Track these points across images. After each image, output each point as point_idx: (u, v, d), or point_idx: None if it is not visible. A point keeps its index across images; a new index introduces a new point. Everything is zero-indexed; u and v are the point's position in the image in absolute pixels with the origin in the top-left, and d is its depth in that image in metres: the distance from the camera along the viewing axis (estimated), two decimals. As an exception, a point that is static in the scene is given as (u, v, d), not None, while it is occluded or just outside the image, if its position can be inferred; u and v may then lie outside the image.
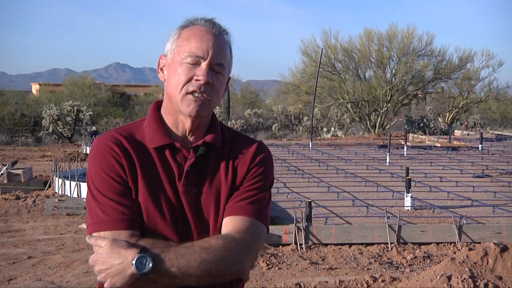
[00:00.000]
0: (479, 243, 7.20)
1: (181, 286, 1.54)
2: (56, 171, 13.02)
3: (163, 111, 1.73)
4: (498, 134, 28.88)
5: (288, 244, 7.76)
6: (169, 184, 1.63)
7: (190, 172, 1.65)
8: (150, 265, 1.45)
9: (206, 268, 1.49)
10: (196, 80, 1.61)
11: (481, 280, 4.91)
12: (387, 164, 16.47)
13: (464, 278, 4.89)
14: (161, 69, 1.72)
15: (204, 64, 1.62)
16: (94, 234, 1.57)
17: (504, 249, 5.21)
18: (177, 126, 1.69)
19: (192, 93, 1.62)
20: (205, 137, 1.69)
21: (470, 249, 5.61)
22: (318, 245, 7.80)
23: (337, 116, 35.25)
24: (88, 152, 12.95)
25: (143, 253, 1.46)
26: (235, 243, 1.56)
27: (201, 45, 1.62)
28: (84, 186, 11.38)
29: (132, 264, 1.45)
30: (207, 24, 1.67)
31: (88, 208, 1.63)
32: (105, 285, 1.49)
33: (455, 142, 23.25)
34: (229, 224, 1.62)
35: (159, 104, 1.75)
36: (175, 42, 1.67)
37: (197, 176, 1.66)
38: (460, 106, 38.22)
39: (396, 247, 7.70)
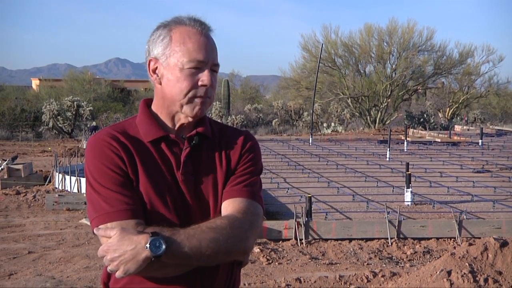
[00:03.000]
0: (479, 238, 7.20)
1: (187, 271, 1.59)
2: (56, 166, 13.02)
3: (154, 108, 1.78)
4: (498, 129, 28.91)
5: (288, 239, 7.77)
6: (168, 174, 1.69)
7: (187, 161, 1.71)
8: (164, 246, 1.48)
9: (216, 246, 1.55)
10: (202, 85, 1.68)
11: (481, 275, 4.92)
12: (387, 159, 16.48)
13: (464, 273, 4.90)
14: (153, 72, 1.74)
15: (206, 69, 1.69)
16: (101, 226, 1.59)
17: (504, 244, 5.21)
18: (170, 121, 1.74)
19: (197, 97, 1.69)
20: (196, 128, 1.76)
21: (470, 244, 5.60)
22: (318, 240, 7.81)
23: (337, 111, 35.22)
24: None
25: (155, 236, 1.50)
26: (239, 222, 1.63)
27: (200, 50, 1.68)
28: (84, 182, 11.37)
29: (146, 248, 1.48)
30: (196, 24, 1.71)
31: (90, 202, 1.65)
32: (117, 273, 1.51)
33: (455, 137, 23.26)
34: (229, 206, 1.69)
35: (148, 101, 1.81)
36: (169, 46, 1.69)
37: (193, 165, 1.72)
38: (460, 101, 38.21)
39: (396, 242, 7.71)
